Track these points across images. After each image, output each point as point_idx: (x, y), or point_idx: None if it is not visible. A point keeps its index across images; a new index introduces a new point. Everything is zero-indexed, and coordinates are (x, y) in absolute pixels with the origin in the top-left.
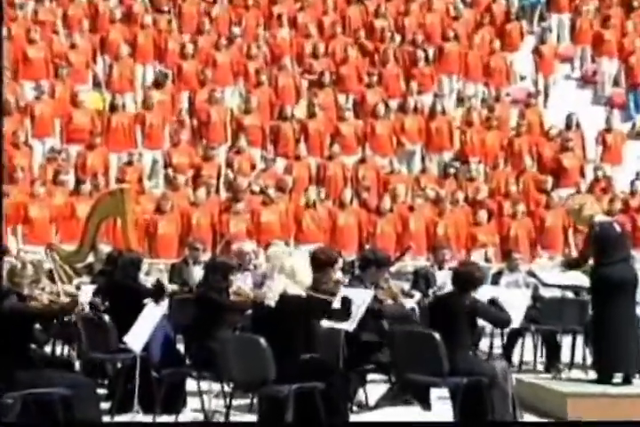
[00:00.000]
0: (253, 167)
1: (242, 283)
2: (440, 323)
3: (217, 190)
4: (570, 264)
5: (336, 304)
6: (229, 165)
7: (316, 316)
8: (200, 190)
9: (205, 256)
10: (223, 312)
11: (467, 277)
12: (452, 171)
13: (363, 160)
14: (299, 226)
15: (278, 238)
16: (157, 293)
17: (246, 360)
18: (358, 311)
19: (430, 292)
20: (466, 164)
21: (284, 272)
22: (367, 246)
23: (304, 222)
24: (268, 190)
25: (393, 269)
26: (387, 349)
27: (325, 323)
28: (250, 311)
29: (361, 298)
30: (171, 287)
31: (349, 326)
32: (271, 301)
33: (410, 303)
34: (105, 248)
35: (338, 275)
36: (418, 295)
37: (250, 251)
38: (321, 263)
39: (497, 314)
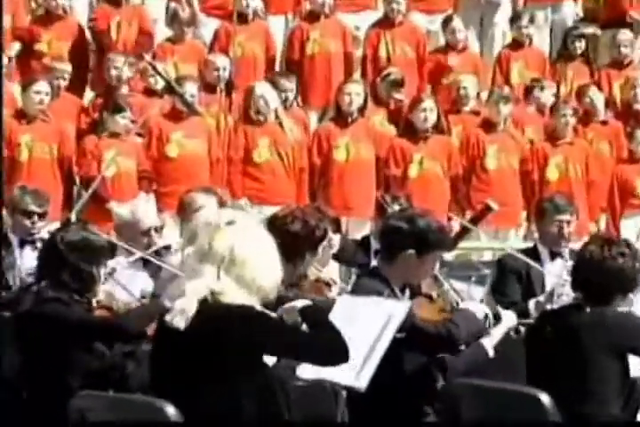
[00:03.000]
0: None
1: (116, 286)
2: (551, 368)
3: (73, 84)
4: None
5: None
6: (98, 30)
7: (285, 353)
8: (37, 86)
9: (47, 229)
10: (80, 344)
11: (607, 274)
12: (578, 46)
13: (387, 21)
14: (248, 162)
15: (205, 190)
16: None
17: None
18: (376, 348)
19: (531, 305)
20: (609, 29)
21: (217, 260)
22: (395, 207)
23: (259, 154)
24: (184, 86)
25: (450, 255)
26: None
27: (307, 373)
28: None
29: (382, 318)
30: None
31: (358, 380)
32: (178, 318)
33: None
34: None
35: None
36: (509, 316)
37: (144, 214)
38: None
39: None
